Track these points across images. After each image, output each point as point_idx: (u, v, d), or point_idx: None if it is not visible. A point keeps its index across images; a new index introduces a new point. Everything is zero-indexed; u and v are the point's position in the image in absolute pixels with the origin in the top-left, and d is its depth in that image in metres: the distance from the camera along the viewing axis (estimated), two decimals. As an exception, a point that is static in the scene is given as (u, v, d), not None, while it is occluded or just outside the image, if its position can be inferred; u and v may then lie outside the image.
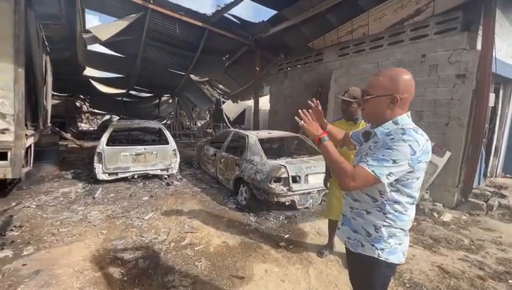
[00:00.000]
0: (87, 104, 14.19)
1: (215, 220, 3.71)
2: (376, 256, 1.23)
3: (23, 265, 2.50)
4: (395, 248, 1.24)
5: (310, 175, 3.85)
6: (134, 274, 2.48)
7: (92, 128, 15.56)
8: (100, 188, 4.79)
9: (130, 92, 11.81)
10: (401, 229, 1.24)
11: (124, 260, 2.69)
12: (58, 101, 11.28)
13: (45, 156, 5.62)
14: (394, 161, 1.09)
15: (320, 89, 6.72)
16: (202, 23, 7.67)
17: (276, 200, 3.72)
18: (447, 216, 3.89)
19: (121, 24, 6.93)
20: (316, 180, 3.95)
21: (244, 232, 3.40)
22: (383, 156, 1.11)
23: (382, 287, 1.32)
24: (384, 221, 1.22)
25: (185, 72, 10.04)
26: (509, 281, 2.52)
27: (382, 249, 1.23)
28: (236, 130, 5.43)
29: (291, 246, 3.05)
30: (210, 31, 7.95)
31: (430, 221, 3.83)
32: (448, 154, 4.20)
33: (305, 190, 3.83)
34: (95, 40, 6.92)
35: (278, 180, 3.70)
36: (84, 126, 15.87)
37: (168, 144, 5.53)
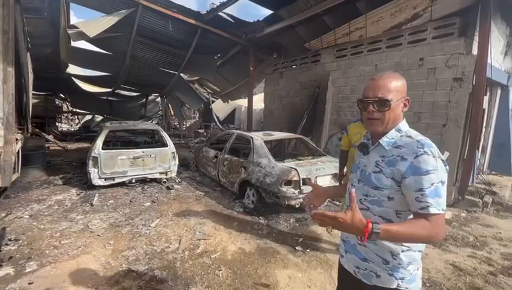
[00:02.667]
0: (67, 103, 13.40)
1: (225, 225, 3.63)
2: (395, 287, 1.09)
3: (29, 283, 2.30)
4: (415, 274, 1.10)
5: (318, 177, 3.87)
6: (153, 287, 2.36)
7: (72, 129, 14.75)
8: (97, 194, 4.53)
9: (116, 91, 11.29)
10: (419, 250, 1.11)
11: (139, 273, 2.55)
12: (36, 101, 10.53)
13: (31, 161, 5.24)
14: (443, 183, 0.98)
15: (318, 90, 6.78)
16: (195, 21, 7.46)
17: (287, 203, 3.71)
18: (448, 214, 4.06)
19: (110, 20, 6.56)
20: (324, 182, 3.98)
21: (257, 236, 3.35)
22: (432, 184, 0.96)
23: None
24: (402, 245, 1.07)
25: (176, 71, 9.75)
26: (518, 275, 2.67)
27: (402, 279, 1.08)
28: (240, 131, 5.35)
29: (308, 250, 3.05)
30: (203, 29, 7.76)
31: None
32: (446, 154, 4.39)
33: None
34: (82, 36, 6.53)
35: (288, 183, 3.68)
36: (64, 126, 15.00)
37: (166, 146, 5.33)
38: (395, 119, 1.11)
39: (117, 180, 4.81)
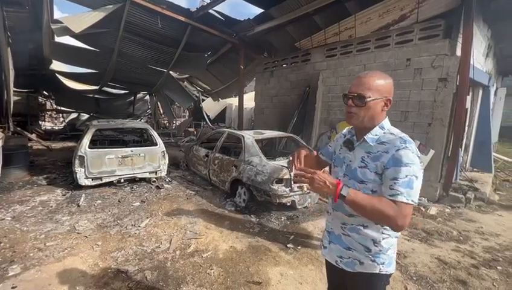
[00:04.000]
0: (51, 101, 12.93)
1: (216, 223, 3.61)
2: (378, 271, 1.18)
3: (12, 288, 2.21)
4: (392, 257, 1.21)
5: (309, 175, 3.90)
6: (144, 288, 2.32)
7: (57, 128, 14.27)
8: (83, 195, 4.40)
9: (103, 88, 10.98)
10: (396, 236, 1.21)
11: (129, 273, 2.50)
12: (18, 98, 10.11)
13: (13, 161, 5.03)
14: (417, 177, 1.04)
15: (308, 89, 6.84)
16: (185, 18, 7.36)
17: (278, 201, 3.73)
18: (433, 209, 4.20)
19: (97, 15, 6.37)
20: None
21: (249, 235, 3.35)
22: (407, 176, 1.03)
23: None
24: (383, 233, 1.16)
25: (165, 69, 9.58)
26: (498, 267, 2.79)
27: (383, 263, 1.17)
28: (231, 130, 5.32)
29: (299, 247, 3.08)
30: (193, 26, 7.66)
31: (419, 215, 4.11)
32: (432, 152, 4.53)
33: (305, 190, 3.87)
34: (66, 31, 6.31)
35: (279, 181, 3.70)
36: (47, 125, 14.49)
37: (156, 145, 5.24)
38: (373, 116, 1.16)
39: (105, 180, 4.69)
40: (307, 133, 6.67)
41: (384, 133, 1.16)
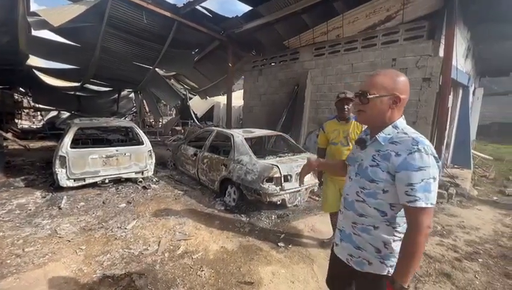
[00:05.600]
0: (28, 98, 12.27)
1: (206, 224, 3.55)
2: (386, 273, 1.16)
3: (-12, 298, 2.07)
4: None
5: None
6: (132, 293, 2.24)
7: (35, 126, 13.60)
8: (65, 197, 4.20)
9: (85, 85, 10.54)
10: None
11: (115, 278, 2.41)
12: (-9, 95, 9.55)
13: (-13, 162, 4.72)
14: (434, 179, 1.03)
15: (296, 87, 6.87)
16: (171, 14, 7.17)
17: (268, 200, 3.71)
18: (418, 205, 4.33)
19: (78, 9, 6.08)
20: (305, 178, 4.04)
21: (239, 234, 3.32)
22: (423, 180, 1.01)
23: None
24: (394, 235, 1.14)
25: (151, 66, 9.32)
26: (479, 260, 2.92)
27: (392, 266, 1.15)
28: (219, 128, 5.25)
29: (290, 246, 3.08)
30: (180, 22, 7.48)
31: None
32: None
33: (295, 188, 3.89)
34: (44, 25, 5.98)
35: (270, 180, 3.69)
36: (24, 124, 13.77)
37: (142, 144, 5.09)
38: (380, 113, 1.16)
39: (88, 181, 4.51)
40: (295, 132, 6.70)
41: (397, 132, 1.14)
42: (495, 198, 5.13)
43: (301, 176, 1.69)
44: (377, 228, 1.16)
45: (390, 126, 1.16)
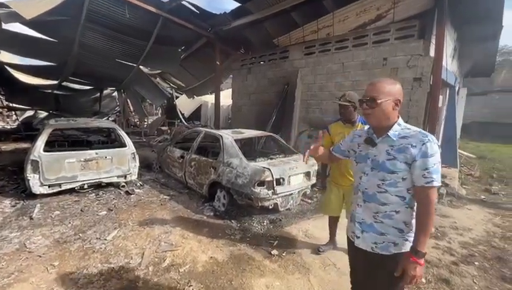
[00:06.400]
0: (1, 97, 11.47)
1: (194, 232, 3.33)
2: (404, 250, 1.34)
3: None
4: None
5: (292, 176, 3.77)
6: (110, 316, 2.00)
7: (9, 127, 12.78)
8: (38, 205, 3.85)
9: (63, 83, 9.94)
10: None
11: (92, 299, 2.16)
12: (-42, 93, 8.81)
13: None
14: (439, 162, 1.27)
15: (287, 87, 6.73)
16: (156, 9, 6.84)
17: (260, 204, 3.54)
18: (410, 206, 4.29)
19: (53, 1, 5.64)
20: (297, 181, 3.91)
21: (230, 243, 3.12)
22: (435, 164, 1.25)
23: None
24: (412, 215, 1.35)
25: (134, 63, 8.90)
26: (475, 263, 2.87)
27: (408, 240, 1.34)
28: (208, 129, 5.02)
29: (284, 254, 2.92)
30: (165, 18, 7.15)
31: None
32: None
33: (287, 191, 3.74)
34: (16, 18, 5.52)
35: (261, 183, 3.51)
36: (-3, 124, 12.91)
37: (125, 146, 4.77)
38: (387, 115, 1.37)
39: (64, 187, 4.16)
40: (286, 132, 6.56)
41: (402, 129, 1.36)
42: (482, 197, 5.20)
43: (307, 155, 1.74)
44: (398, 212, 1.35)
45: (396, 124, 1.37)
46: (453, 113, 6.61)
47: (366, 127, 1.54)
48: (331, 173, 2.81)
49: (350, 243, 1.56)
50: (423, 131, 1.32)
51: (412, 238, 1.32)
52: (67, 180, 4.15)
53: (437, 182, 1.24)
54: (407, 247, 1.32)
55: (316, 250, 2.98)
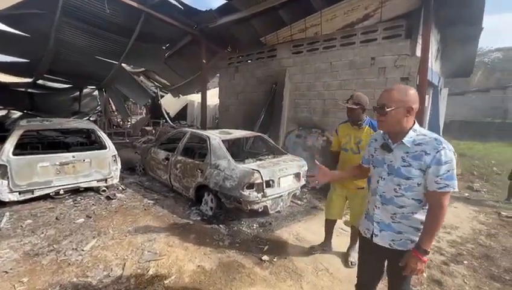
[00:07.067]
0: (-31, 95, 10.66)
1: (180, 238, 3.15)
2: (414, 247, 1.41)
3: None
4: None
5: (282, 178, 3.67)
6: (86, 338, 1.81)
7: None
8: (7, 214, 3.53)
9: (39, 81, 9.36)
10: None
11: (65, 319, 1.95)
12: None
13: None
14: (454, 169, 1.31)
15: (275, 86, 6.63)
16: (138, 4, 6.53)
17: (249, 207, 3.42)
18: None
19: (24, -8, 5.27)
20: (287, 183, 3.81)
21: (218, 249, 2.98)
22: (448, 171, 1.29)
23: None
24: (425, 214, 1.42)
25: (116, 61, 8.50)
26: (464, 262, 2.89)
27: (419, 238, 1.41)
28: (194, 130, 4.83)
29: (275, 259, 2.81)
30: (148, 14, 6.86)
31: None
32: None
33: (277, 193, 3.64)
34: (-18, 9, 5.09)
35: (251, 186, 3.38)
36: (-35, 125, 11.98)
37: (105, 148, 4.50)
38: (398, 122, 1.40)
39: (38, 193, 3.85)
40: (274, 132, 6.46)
41: (417, 135, 1.39)
42: (466, 194, 5.34)
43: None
44: (415, 213, 1.43)
45: (411, 131, 1.40)
46: (436, 113, 6.76)
47: (381, 131, 1.55)
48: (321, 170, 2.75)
49: (362, 238, 1.67)
50: (438, 138, 1.34)
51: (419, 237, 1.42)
52: (40, 185, 3.84)
53: (451, 188, 1.29)
54: (412, 246, 1.42)
55: (309, 251, 2.92)
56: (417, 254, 1.35)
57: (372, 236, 1.56)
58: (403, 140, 1.39)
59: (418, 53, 4.52)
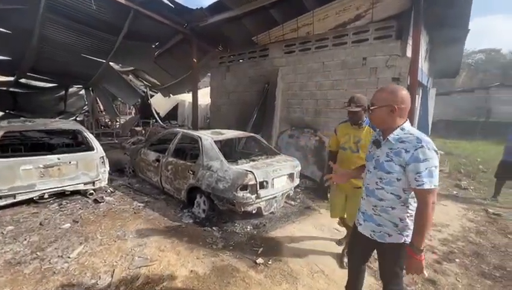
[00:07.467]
0: None
1: (172, 242, 3.06)
2: (403, 241, 1.51)
3: None
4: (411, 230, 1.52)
5: (275, 179, 3.63)
6: None
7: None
8: (-13, 220, 3.35)
9: (22, 80, 8.98)
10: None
11: (50, 332, 1.84)
12: None
13: None
14: (435, 167, 1.36)
15: (267, 85, 6.59)
16: (126, 1, 6.35)
17: (243, 209, 3.36)
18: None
19: (4, -14, 5.03)
20: (281, 183, 3.77)
21: (212, 253, 2.91)
22: (427, 169, 1.35)
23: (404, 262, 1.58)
24: (407, 212, 1.49)
25: (103, 59, 8.25)
26: (456, 260, 2.93)
27: (407, 235, 1.51)
28: (185, 130, 4.71)
29: (269, 262, 2.77)
30: (137, 11, 6.68)
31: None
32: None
33: (271, 195, 3.59)
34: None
35: (244, 187, 3.32)
36: None
37: (93, 150, 4.34)
38: (383, 120, 1.52)
39: (20, 198, 3.67)
40: (267, 132, 6.42)
41: (404, 133, 1.46)
42: (454, 192, 5.45)
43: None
44: (394, 208, 1.51)
45: (398, 129, 1.48)
46: (426, 113, 6.89)
47: (378, 129, 1.68)
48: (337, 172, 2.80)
49: (354, 227, 1.81)
50: (420, 137, 1.39)
51: (405, 233, 1.50)
52: (23, 189, 3.66)
53: (428, 185, 1.34)
54: (399, 239, 1.51)
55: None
56: (411, 253, 1.40)
57: (358, 225, 1.72)
58: (388, 137, 1.49)
59: (409, 54, 4.58)
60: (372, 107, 1.53)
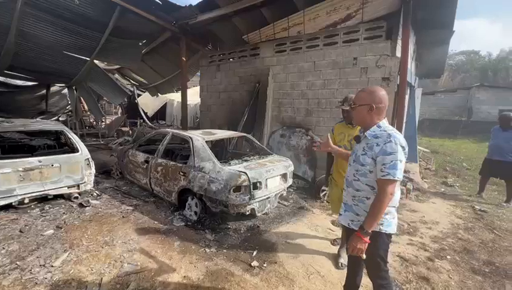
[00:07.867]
0: None
1: (163, 247, 2.95)
2: (378, 230, 1.59)
3: None
4: (390, 221, 1.63)
5: (269, 179, 3.57)
6: None
7: None
8: (-40, 228, 3.11)
9: (-2, 78, 8.52)
10: (393, 206, 1.64)
11: None
12: None
13: None
14: (400, 161, 1.49)
15: (258, 85, 6.53)
16: (111, -4, 6.13)
17: (236, 211, 3.29)
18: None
19: (-22, -22, 4.71)
20: (274, 184, 3.73)
21: (205, 256, 2.82)
22: (392, 161, 1.48)
23: (385, 253, 1.68)
24: None
25: (87, 57, 7.93)
26: (447, 257, 2.98)
27: (381, 224, 1.60)
28: (176, 131, 4.58)
29: (265, 265, 2.71)
30: (123, 8, 6.45)
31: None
32: (378, 148, 4.75)
33: (265, 195, 3.54)
34: None
35: (238, 189, 3.25)
36: None
37: (77, 151, 4.14)
38: (362, 117, 1.68)
39: (-2, 203, 3.44)
40: (258, 132, 6.36)
41: (380, 130, 1.60)
42: (442, 189, 5.60)
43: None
44: (368, 199, 1.63)
45: (375, 126, 1.63)
46: (413, 112, 7.04)
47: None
48: (333, 170, 2.89)
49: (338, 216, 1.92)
50: (391, 133, 1.54)
51: (379, 222, 1.58)
52: (1, 195, 3.43)
53: (391, 176, 1.47)
54: (375, 228, 1.58)
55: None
56: (359, 234, 1.53)
57: (339, 216, 1.85)
58: (366, 133, 1.65)
59: (398, 54, 4.64)
60: (353, 106, 1.70)
